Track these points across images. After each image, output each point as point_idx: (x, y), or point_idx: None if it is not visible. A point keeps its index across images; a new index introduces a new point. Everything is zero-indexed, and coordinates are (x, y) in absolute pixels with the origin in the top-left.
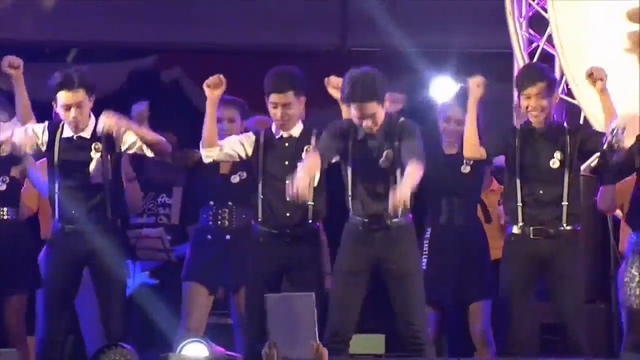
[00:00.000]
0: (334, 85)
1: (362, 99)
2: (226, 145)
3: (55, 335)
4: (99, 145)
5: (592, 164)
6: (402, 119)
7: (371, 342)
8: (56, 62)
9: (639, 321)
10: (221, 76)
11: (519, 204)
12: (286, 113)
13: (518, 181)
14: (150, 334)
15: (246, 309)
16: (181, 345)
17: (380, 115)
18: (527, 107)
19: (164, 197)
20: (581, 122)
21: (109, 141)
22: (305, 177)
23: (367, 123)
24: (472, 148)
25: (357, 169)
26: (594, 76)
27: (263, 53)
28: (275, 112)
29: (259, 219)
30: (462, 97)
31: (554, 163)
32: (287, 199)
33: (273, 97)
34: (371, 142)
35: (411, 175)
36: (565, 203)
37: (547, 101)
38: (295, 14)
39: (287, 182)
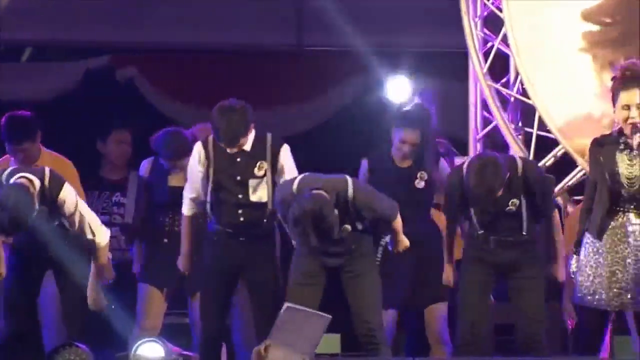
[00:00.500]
0: None
1: None
2: (195, 190)
3: (16, 335)
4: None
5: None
6: (350, 192)
7: (327, 342)
8: (10, 62)
9: (591, 319)
10: None
11: (480, 228)
12: (240, 148)
13: (477, 220)
14: (105, 333)
15: (201, 307)
16: (136, 345)
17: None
18: None
19: (119, 196)
20: (536, 122)
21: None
22: None
23: None
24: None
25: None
26: None
27: (218, 53)
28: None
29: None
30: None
31: (510, 210)
32: None
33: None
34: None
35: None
36: (525, 230)
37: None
38: (250, 13)
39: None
